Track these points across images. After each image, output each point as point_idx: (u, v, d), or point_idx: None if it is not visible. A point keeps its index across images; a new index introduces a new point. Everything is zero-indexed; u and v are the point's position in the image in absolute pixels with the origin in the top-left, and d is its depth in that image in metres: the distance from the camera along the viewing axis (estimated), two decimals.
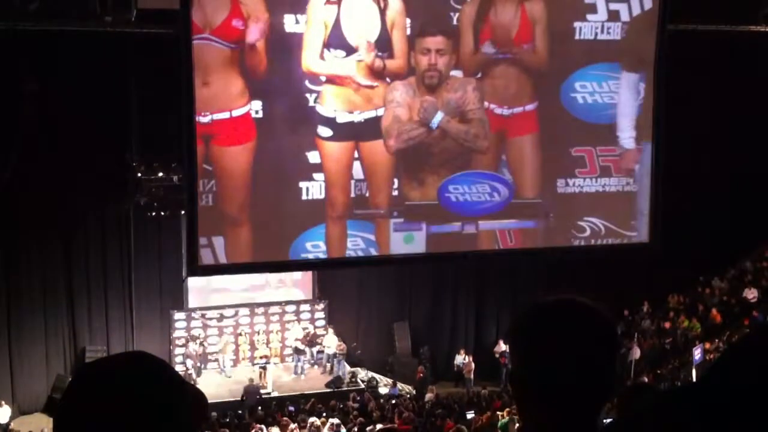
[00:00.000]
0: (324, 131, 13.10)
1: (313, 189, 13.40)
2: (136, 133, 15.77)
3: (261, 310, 18.93)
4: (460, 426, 12.49)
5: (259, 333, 18.69)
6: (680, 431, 1.07)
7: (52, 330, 17.04)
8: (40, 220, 16.57)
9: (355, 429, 13.77)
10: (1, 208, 15.80)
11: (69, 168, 16.11)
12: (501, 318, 19.69)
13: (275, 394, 17.18)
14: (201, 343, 18.19)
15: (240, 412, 15.60)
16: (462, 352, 19.10)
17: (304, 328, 18.91)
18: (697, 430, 1.06)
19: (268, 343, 18.76)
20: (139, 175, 15.68)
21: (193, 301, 18.47)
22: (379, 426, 13.22)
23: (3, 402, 15.53)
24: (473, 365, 18.58)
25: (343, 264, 15.14)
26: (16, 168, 15.36)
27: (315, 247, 13.72)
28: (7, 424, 15.38)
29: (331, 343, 18.36)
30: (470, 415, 14.45)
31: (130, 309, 17.60)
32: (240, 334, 18.66)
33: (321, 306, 19.40)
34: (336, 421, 14.22)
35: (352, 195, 13.63)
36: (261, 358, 18.49)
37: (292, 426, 14.35)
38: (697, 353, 16.66)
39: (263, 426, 14.25)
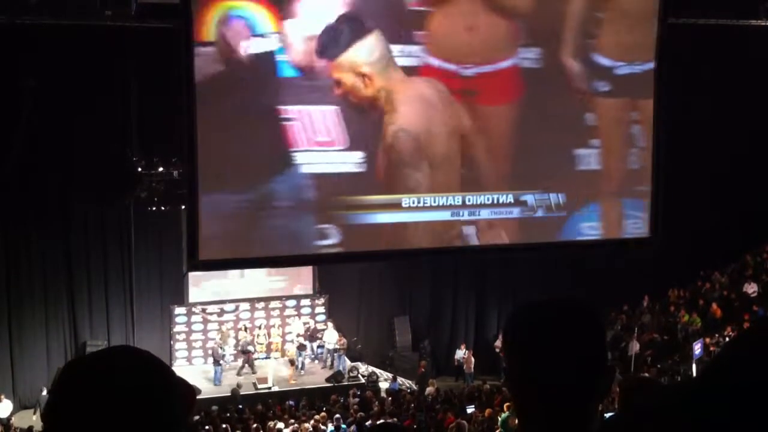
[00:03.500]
0: (601, 85, 11.66)
1: (590, 158, 12.32)
2: (136, 128, 15.76)
3: (261, 304, 18.94)
4: (461, 421, 12.52)
5: (260, 327, 18.70)
6: (681, 430, 1.07)
7: (53, 325, 17.05)
8: (40, 214, 16.58)
9: (354, 426, 13.76)
10: (2, 203, 15.80)
11: (69, 163, 16.11)
12: (502, 312, 19.67)
13: (276, 389, 17.19)
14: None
15: (240, 406, 15.61)
16: (462, 346, 19.11)
17: (304, 323, 18.92)
18: (697, 428, 1.06)
19: (268, 337, 18.77)
20: (140, 169, 15.68)
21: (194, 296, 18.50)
22: (380, 421, 13.23)
23: (3, 396, 15.56)
24: (473, 360, 18.59)
25: (343, 259, 15.15)
26: (16, 163, 15.36)
27: (591, 229, 12.71)
28: (8, 419, 15.40)
29: (331, 337, 18.36)
30: (470, 409, 14.46)
31: (131, 303, 17.61)
32: (240, 329, 18.66)
33: (321, 301, 19.41)
34: (336, 415, 14.23)
35: (633, 166, 12.31)
36: (261, 351, 18.50)
37: (292, 421, 14.37)
38: (697, 348, 16.67)
39: (261, 422, 14.26)
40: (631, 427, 1.17)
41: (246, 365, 17.76)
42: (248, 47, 12.37)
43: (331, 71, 12.39)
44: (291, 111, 12.88)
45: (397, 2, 12.97)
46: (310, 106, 12.83)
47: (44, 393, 15.54)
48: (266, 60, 12.45)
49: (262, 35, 12.30)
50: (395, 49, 13.06)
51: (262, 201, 13.16)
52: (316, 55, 12.19)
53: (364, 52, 12.55)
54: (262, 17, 12.33)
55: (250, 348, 18.02)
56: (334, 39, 12.28)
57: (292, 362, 17.95)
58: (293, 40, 12.33)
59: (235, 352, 18.49)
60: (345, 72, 12.45)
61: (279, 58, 12.55)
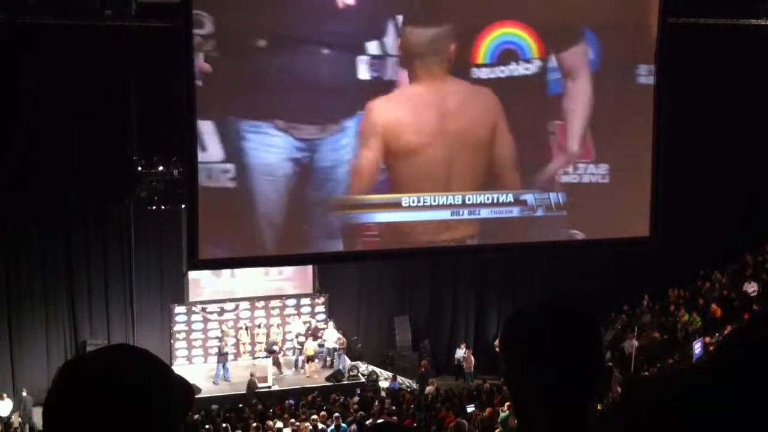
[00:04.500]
0: None
1: None
2: (136, 127, 15.75)
3: (261, 303, 18.94)
4: (461, 420, 12.51)
5: (260, 326, 18.71)
6: (681, 426, 1.07)
7: (53, 324, 17.05)
8: (41, 214, 16.57)
9: (354, 425, 13.75)
10: (2, 203, 15.79)
11: (69, 162, 16.10)
12: (502, 312, 19.67)
13: (276, 387, 17.20)
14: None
15: (241, 405, 15.61)
16: (462, 346, 19.10)
17: (305, 322, 18.92)
18: (697, 425, 1.06)
19: (268, 336, 18.78)
20: (140, 169, 15.66)
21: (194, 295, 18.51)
22: (380, 420, 13.22)
23: (4, 395, 15.55)
24: (473, 359, 18.58)
25: (343, 258, 15.15)
26: (16, 162, 15.35)
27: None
28: (8, 417, 15.40)
29: (331, 337, 18.37)
30: (470, 408, 14.46)
31: (131, 302, 17.61)
32: (241, 328, 18.67)
33: (321, 300, 19.41)
34: (336, 414, 14.22)
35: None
36: (263, 350, 18.54)
37: (293, 420, 14.36)
38: (697, 347, 16.68)
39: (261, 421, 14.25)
40: (630, 423, 1.17)
41: (274, 366, 17.82)
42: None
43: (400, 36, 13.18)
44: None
45: None
46: None
47: (24, 394, 15.52)
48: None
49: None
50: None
51: (261, 199, 13.17)
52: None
53: (416, 38, 13.19)
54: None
55: (275, 348, 18.02)
56: (413, 15, 13.20)
57: (310, 359, 18.06)
58: None
59: (235, 351, 18.54)
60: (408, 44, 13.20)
61: None
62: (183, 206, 14.67)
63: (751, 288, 19.18)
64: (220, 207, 12.88)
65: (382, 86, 13.05)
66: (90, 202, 16.90)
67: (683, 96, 16.61)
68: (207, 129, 12.30)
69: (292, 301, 19.21)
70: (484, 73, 13.37)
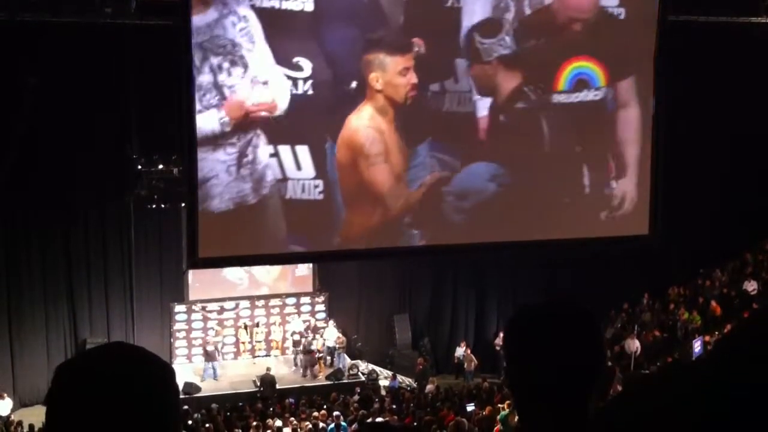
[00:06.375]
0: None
1: None
2: (136, 126, 15.74)
3: (261, 302, 18.94)
4: (461, 419, 12.50)
5: (258, 325, 18.71)
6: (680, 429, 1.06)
7: (53, 322, 17.05)
8: (41, 212, 16.57)
9: (356, 424, 13.75)
10: (2, 200, 15.78)
11: (69, 160, 16.09)
12: (501, 310, 19.67)
13: (276, 386, 17.17)
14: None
15: (241, 404, 15.62)
16: (462, 344, 19.10)
17: (304, 321, 18.92)
18: (698, 428, 1.05)
19: (268, 335, 18.78)
20: (139, 167, 15.65)
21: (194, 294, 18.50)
22: (378, 419, 13.23)
23: (5, 394, 15.55)
24: (474, 358, 18.58)
25: (343, 257, 15.16)
26: (16, 162, 15.34)
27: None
28: (8, 416, 15.39)
29: (331, 335, 18.37)
30: (470, 407, 14.45)
31: (131, 301, 17.61)
32: (240, 327, 18.66)
33: (321, 299, 19.40)
34: (336, 413, 14.22)
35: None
36: (260, 349, 18.55)
37: (292, 419, 14.36)
38: (697, 346, 16.67)
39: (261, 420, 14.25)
40: (629, 423, 1.17)
41: (308, 366, 17.77)
42: None
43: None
44: None
45: None
46: None
47: None
48: None
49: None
50: None
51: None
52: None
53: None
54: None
55: (313, 348, 17.99)
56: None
57: (318, 357, 18.07)
58: None
59: (235, 350, 18.55)
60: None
61: None
62: (183, 204, 14.67)
63: (751, 286, 19.18)
64: (309, 214, 13.43)
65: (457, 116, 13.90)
66: (90, 200, 16.89)
67: (683, 94, 16.60)
68: (302, 152, 13.27)
69: (292, 300, 19.21)
70: (563, 98, 14.37)
